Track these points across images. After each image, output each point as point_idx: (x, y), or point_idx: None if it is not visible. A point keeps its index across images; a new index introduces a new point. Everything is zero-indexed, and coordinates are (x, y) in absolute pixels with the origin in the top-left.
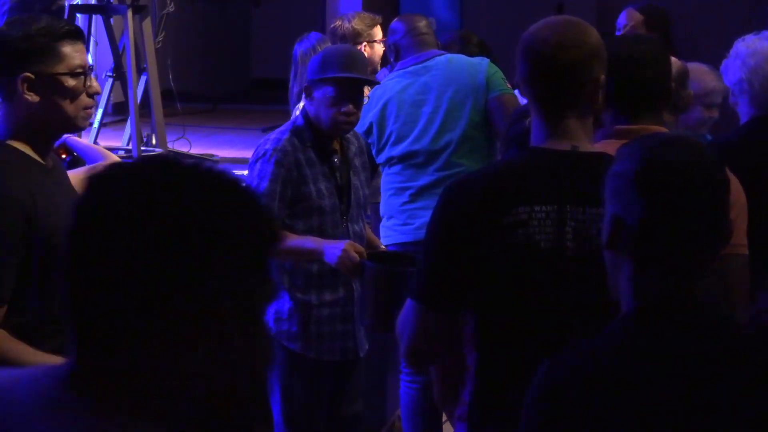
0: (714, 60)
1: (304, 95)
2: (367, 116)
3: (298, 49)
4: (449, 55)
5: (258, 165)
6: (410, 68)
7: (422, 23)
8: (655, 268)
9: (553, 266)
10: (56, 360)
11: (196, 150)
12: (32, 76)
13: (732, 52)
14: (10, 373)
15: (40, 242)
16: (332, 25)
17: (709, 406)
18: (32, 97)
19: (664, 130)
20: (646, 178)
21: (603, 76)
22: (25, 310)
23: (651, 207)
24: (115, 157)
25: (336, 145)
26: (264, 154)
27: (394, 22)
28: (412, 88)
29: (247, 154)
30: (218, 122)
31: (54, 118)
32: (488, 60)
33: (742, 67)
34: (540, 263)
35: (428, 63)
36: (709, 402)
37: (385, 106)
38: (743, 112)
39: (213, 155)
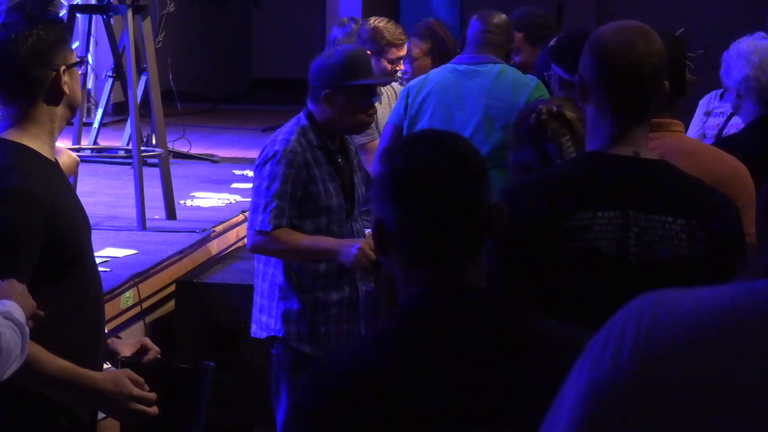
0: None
1: (318, 98)
2: (402, 101)
3: (338, 34)
4: (501, 67)
5: (268, 166)
6: (461, 67)
7: (495, 22)
8: (417, 267)
9: (614, 272)
10: (69, 365)
11: (196, 150)
12: (65, 68)
13: (731, 53)
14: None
15: (55, 241)
16: (366, 20)
17: (479, 397)
18: (66, 89)
19: (680, 123)
20: (394, 180)
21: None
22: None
23: (401, 209)
24: (68, 151)
25: (337, 145)
26: (274, 155)
27: (473, 17)
28: (453, 89)
29: (247, 154)
30: (218, 122)
31: (73, 108)
32: (538, 81)
33: (746, 65)
34: (601, 269)
35: (478, 68)
36: (479, 393)
37: (425, 99)
38: (748, 111)
39: (213, 155)
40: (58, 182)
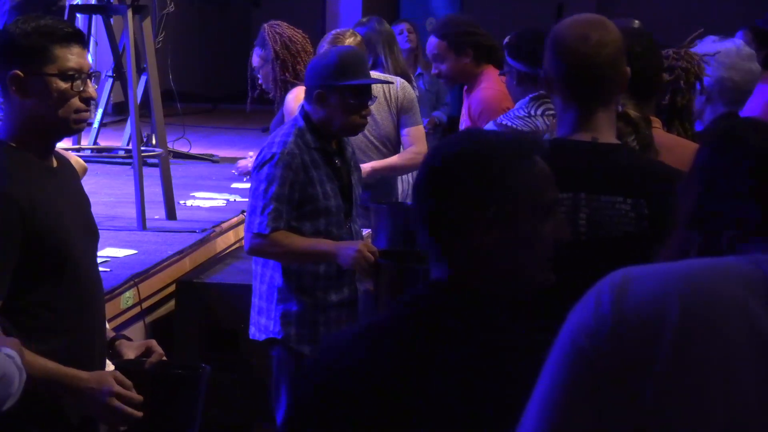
0: None
1: (311, 99)
2: None
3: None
4: None
5: (265, 168)
6: None
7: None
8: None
9: (568, 252)
10: (52, 365)
11: (196, 150)
12: (21, 74)
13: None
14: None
15: (36, 243)
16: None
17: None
18: (21, 96)
19: (656, 119)
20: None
21: (628, 69)
22: (21, 309)
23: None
24: (75, 157)
25: (334, 146)
26: (272, 158)
27: None
28: None
29: (247, 154)
30: (218, 122)
31: (44, 119)
32: None
33: (719, 68)
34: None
35: None
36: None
37: None
38: (714, 112)
39: (213, 155)
40: (47, 186)
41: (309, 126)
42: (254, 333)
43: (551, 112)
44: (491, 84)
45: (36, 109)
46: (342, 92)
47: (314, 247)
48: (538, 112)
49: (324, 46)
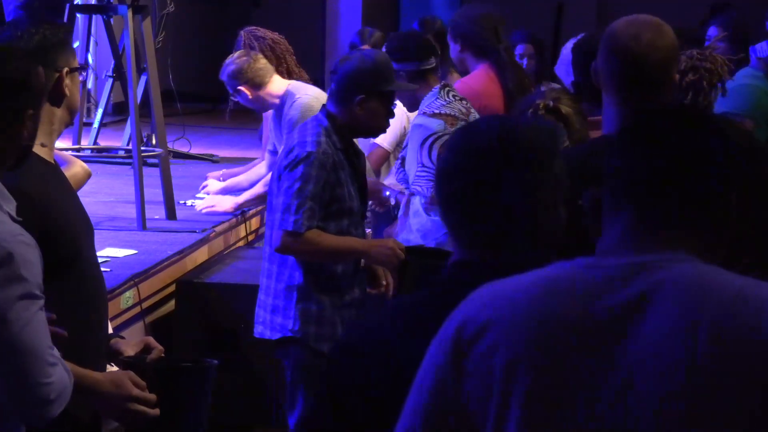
0: None
1: (349, 102)
2: None
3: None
4: None
5: (301, 167)
6: None
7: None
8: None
9: None
10: (70, 365)
11: (196, 150)
12: (69, 71)
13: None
14: None
15: (49, 239)
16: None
17: None
18: (67, 91)
19: None
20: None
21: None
22: None
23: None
24: (81, 162)
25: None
26: (307, 156)
27: None
28: None
29: (247, 154)
30: (218, 122)
31: (72, 112)
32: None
33: None
34: None
35: None
36: None
37: None
38: None
39: (213, 155)
40: (54, 183)
41: (334, 127)
42: (263, 331)
43: (458, 96)
44: (467, 80)
45: (70, 103)
46: (383, 97)
47: (346, 246)
48: (451, 98)
49: (248, 59)
